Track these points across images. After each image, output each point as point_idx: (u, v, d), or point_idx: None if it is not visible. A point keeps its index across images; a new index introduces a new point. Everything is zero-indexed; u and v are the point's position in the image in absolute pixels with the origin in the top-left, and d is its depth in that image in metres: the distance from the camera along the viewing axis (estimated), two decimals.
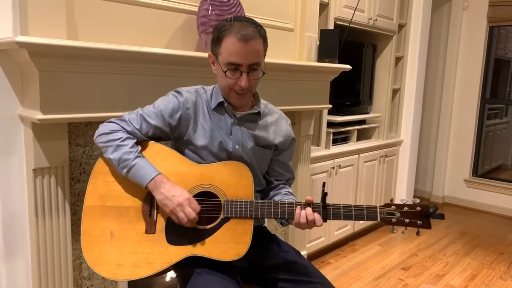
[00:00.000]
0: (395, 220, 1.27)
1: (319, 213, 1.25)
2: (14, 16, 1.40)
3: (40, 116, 1.36)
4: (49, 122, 1.41)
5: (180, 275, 1.34)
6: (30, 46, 1.27)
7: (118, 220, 1.28)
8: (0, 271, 1.52)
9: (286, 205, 1.28)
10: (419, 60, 3.68)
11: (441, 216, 1.28)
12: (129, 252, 1.25)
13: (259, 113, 1.39)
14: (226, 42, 1.25)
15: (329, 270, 2.84)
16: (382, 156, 3.52)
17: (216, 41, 1.29)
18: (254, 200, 1.28)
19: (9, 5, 1.40)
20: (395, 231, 1.34)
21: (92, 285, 1.72)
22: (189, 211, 1.21)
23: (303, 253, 2.73)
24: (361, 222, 3.35)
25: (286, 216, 1.28)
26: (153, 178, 1.24)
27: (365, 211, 1.26)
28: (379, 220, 1.26)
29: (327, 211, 1.25)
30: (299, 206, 1.26)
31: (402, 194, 3.81)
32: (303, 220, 1.24)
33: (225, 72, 1.27)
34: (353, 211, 1.26)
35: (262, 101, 1.45)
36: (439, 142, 4.49)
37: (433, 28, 4.21)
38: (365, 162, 3.33)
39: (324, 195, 1.25)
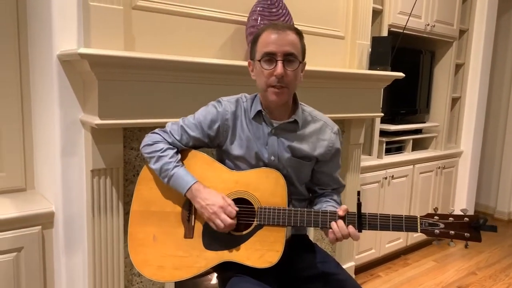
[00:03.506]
0: (438, 231, 1.19)
1: (353, 224, 1.22)
2: (78, 30, 1.53)
3: (98, 121, 1.47)
4: (106, 127, 1.52)
5: (220, 278, 1.38)
6: (90, 57, 1.39)
7: (160, 225, 1.35)
8: (60, 263, 1.65)
9: (320, 213, 1.26)
10: (483, 67, 3.49)
11: (493, 228, 1.18)
12: (169, 255, 1.32)
13: (297, 122, 1.36)
14: (261, 38, 1.29)
15: (378, 283, 2.75)
16: (439, 168, 3.37)
17: (253, 43, 1.32)
18: (287, 208, 1.27)
19: (74, 20, 1.53)
20: (439, 243, 1.26)
21: (141, 282, 1.82)
22: (224, 217, 1.25)
23: (350, 264, 2.67)
24: (415, 235, 3.22)
25: (319, 225, 1.26)
26: (190, 188, 1.30)
27: (404, 221, 1.20)
28: (419, 231, 1.19)
29: (362, 221, 1.22)
30: (331, 230, 1.23)
31: (462, 208, 3.61)
32: (338, 235, 1.21)
33: (260, 62, 1.27)
34: (390, 221, 1.21)
35: (306, 108, 1.42)
36: (506, 154, 4.19)
37: (499, 34, 3.97)
38: (421, 173, 3.20)
39: (359, 205, 1.22)
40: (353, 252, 2.71)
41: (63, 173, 1.60)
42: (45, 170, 1.75)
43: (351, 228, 1.21)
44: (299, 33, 1.31)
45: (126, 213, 1.72)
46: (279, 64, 1.25)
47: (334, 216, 1.24)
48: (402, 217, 1.20)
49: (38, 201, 1.71)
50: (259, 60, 1.28)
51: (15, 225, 1.57)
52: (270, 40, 1.26)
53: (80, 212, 1.65)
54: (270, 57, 1.26)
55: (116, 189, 1.65)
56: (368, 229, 1.22)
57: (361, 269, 2.87)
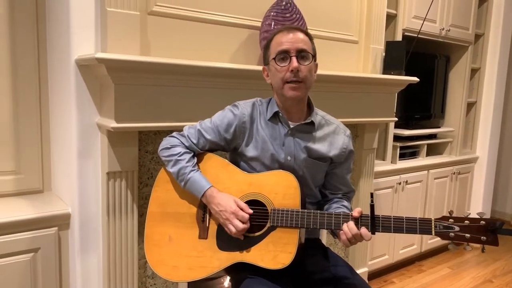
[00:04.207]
0: (453, 234, 1.17)
1: (367, 226, 1.22)
2: (96, 35, 1.57)
3: (114, 124, 1.49)
4: (122, 130, 1.54)
5: (234, 280, 1.39)
6: (107, 61, 1.41)
7: (175, 225, 1.37)
8: (75, 264, 1.68)
9: (333, 215, 1.26)
10: (499, 72, 3.44)
11: (511, 232, 1.16)
12: (184, 255, 1.33)
13: (313, 123, 1.39)
14: (274, 40, 1.35)
15: None
16: (454, 173, 3.32)
17: (266, 47, 1.38)
18: (300, 210, 1.28)
19: (92, 25, 1.56)
20: (455, 248, 1.24)
21: (155, 284, 1.83)
22: (236, 223, 1.27)
23: (363, 270, 2.65)
24: (429, 241, 3.18)
25: (332, 227, 1.26)
26: (204, 193, 1.33)
27: (418, 224, 1.19)
28: (433, 234, 1.18)
29: (376, 222, 1.21)
30: (342, 232, 1.24)
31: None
32: (348, 235, 1.21)
33: (275, 60, 1.32)
34: (404, 223, 1.20)
35: (320, 112, 1.46)
36: None
37: None
38: (435, 178, 3.17)
39: (372, 206, 1.21)
40: (367, 257, 2.68)
41: (79, 176, 1.63)
42: (61, 172, 1.78)
43: (363, 229, 1.21)
44: (309, 35, 1.37)
45: (141, 216, 1.74)
46: (293, 59, 1.30)
47: (347, 218, 1.25)
48: (416, 220, 1.20)
49: (54, 203, 1.74)
50: (274, 59, 1.33)
51: (32, 226, 1.60)
52: (283, 40, 1.32)
53: (96, 214, 1.67)
54: (284, 55, 1.31)
55: (131, 192, 1.67)
56: (382, 231, 1.22)
57: (374, 275, 2.84)
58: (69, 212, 1.68)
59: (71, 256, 1.71)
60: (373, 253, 2.77)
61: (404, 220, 1.20)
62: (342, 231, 1.24)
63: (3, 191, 1.78)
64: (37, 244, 1.62)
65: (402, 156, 3.05)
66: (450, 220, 1.19)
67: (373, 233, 1.22)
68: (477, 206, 3.55)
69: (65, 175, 1.73)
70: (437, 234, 1.18)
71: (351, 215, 1.24)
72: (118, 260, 1.69)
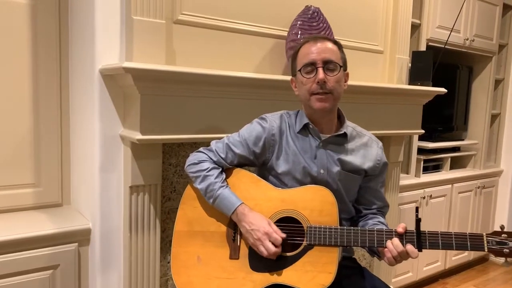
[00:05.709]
0: (507, 251, 1.10)
1: (412, 242, 1.14)
2: (121, 44, 1.52)
3: (139, 136, 1.44)
4: (147, 142, 1.48)
5: None
6: (134, 71, 1.36)
7: (204, 245, 1.30)
8: (95, 282, 1.61)
9: (375, 232, 1.19)
10: None
11: None
12: (214, 277, 1.26)
13: (345, 135, 1.33)
14: (301, 51, 1.31)
15: None
16: (478, 187, 3.22)
17: (294, 58, 1.34)
18: (339, 227, 1.21)
19: (117, 34, 1.52)
20: (509, 265, 1.16)
21: None
22: (268, 245, 1.19)
23: None
24: (453, 258, 3.07)
25: (375, 245, 1.18)
26: (235, 210, 1.26)
27: (468, 239, 1.11)
28: (486, 250, 1.10)
29: (422, 239, 1.14)
30: (386, 250, 1.16)
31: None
32: (394, 253, 1.14)
33: (301, 73, 1.27)
34: (453, 239, 1.12)
35: (350, 124, 1.40)
36: None
37: None
38: (459, 193, 3.07)
39: (418, 221, 1.14)
40: (391, 275, 2.58)
41: (101, 189, 1.57)
42: (82, 186, 1.73)
43: (409, 246, 1.14)
44: (337, 44, 1.32)
45: (163, 231, 1.67)
46: (320, 70, 1.25)
47: (390, 234, 1.18)
48: (466, 235, 1.12)
49: (74, 217, 1.68)
50: (300, 70, 1.28)
51: (51, 241, 1.54)
52: (309, 51, 1.27)
53: (117, 229, 1.61)
54: (311, 67, 1.26)
55: (154, 206, 1.61)
56: (429, 248, 1.15)
57: None
58: (90, 227, 1.62)
59: (91, 273, 1.64)
60: (397, 271, 2.66)
61: (453, 236, 1.13)
62: (386, 249, 1.16)
63: (22, 204, 1.73)
64: (57, 260, 1.55)
65: (425, 169, 2.96)
66: (502, 235, 1.12)
67: (419, 250, 1.14)
68: (503, 222, 3.43)
69: (86, 189, 1.68)
70: (490, 250, 1.11)
71: (395, 231, 1.17)
72: (140, 277, 1.61)
